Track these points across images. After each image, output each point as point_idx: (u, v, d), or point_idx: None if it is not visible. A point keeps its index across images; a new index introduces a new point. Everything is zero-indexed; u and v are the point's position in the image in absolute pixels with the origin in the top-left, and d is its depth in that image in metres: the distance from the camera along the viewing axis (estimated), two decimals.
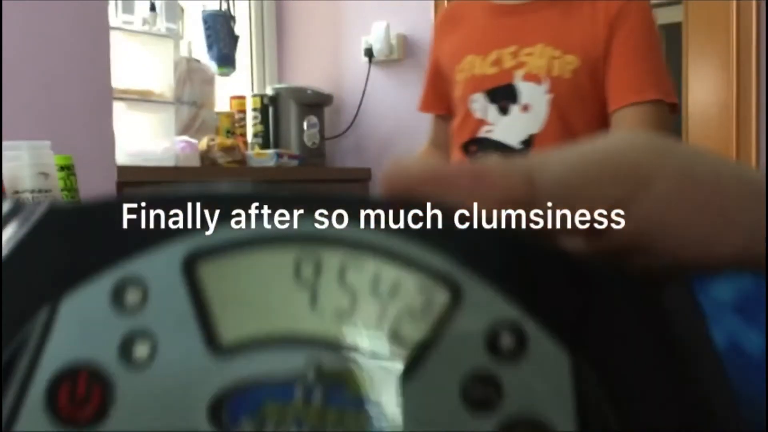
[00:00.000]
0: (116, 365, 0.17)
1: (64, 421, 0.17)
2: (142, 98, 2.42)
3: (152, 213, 0.18)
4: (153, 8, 2.44)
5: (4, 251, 0.18)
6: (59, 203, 0.18)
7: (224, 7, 2.67)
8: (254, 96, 2.78)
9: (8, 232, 0.18)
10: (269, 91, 2.78)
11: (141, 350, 0.17)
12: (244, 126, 2.74)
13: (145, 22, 2.44)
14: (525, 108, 1.36)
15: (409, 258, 0.17)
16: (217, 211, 0.18)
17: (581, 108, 1.35)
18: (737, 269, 0.19)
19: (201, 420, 0.17)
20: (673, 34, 2.45)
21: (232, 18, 2.67)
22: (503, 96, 1.38)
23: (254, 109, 2.75)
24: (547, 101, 1.34)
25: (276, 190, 0.18)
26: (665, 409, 0.17)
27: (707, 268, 0.19)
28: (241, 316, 0.17)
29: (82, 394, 0.17)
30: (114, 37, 2.12)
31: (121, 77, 2.30)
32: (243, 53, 2.85)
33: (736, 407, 0.17)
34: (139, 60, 2.43)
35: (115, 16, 2.30)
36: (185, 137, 2.36)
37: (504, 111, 1.38)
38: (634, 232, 0.20)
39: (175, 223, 0.17)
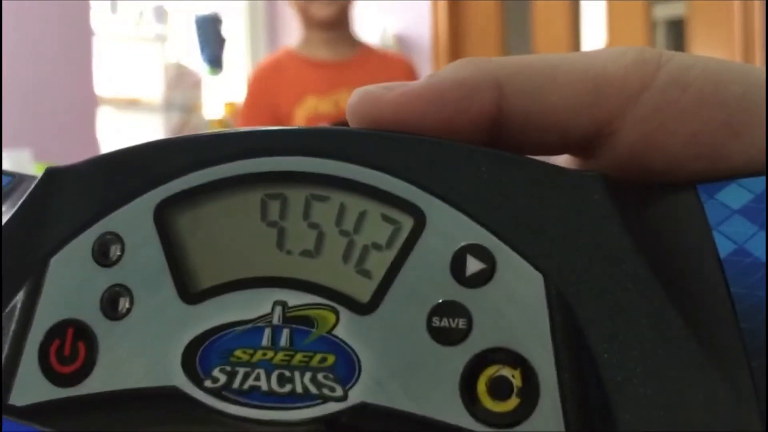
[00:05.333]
0: (98, 320, 0.17)
1: (57, 379, 0.17)
2: (131, 104, 2.39)
3: (125, 169, 0.18)
4: (140, 14, 2.44)
5: (5, 217, 0.19)
6: (57, 168, 0.19)
7: (213, 10, 2.72)
8: None
9: (12, 201, 0.20)
10: None
11: (121, 303, 0.17)
12: None
13: (132, 26, 2.43)
14: None
15: (372, 188, 0.17)
16: (184, 160, 0.18)
17: None
18: (748, 175, 0.17)
19: (176, 371, 0.17)
20: (676, 29, 2.39)
21: (220, 21, 2.73)
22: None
23: None
24: None
25: (236, 133, 0.18)
26: (652, 328, 0.15)
27: (715, 178, 0.18)
28: (211, 262, 0.17)
29: (69, 350, 0.17)
30: (101, 42, 2.09)
31: (108, 83, 2.28)
32: (235, 57, 2.84)
33: (733, 316, 0.16)
34: (127, 65, 2.41)
35: (101, 21, 2.28)
36: None
37: None
38: (628, 151, 0.18)
39: (145, 176, 0.18)
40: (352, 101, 0.18)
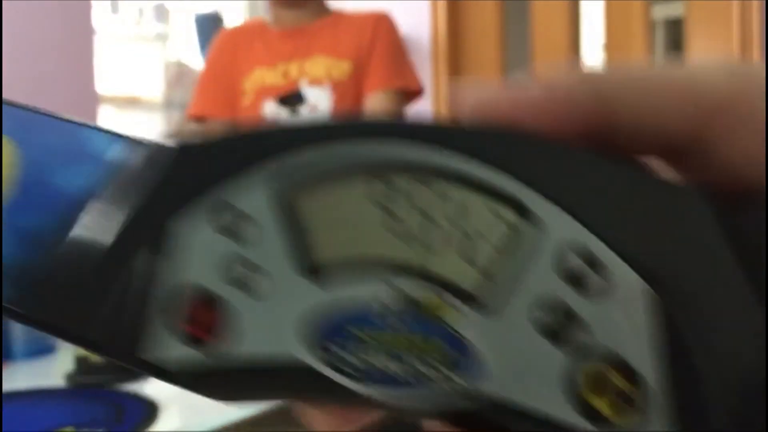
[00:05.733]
0: (220, 287, 0.18)
1: (187, 340, 0.18)
2: (131, 103, 2.39)
3: (254, 147, 0.19)
4: (141, 12, 2.44)
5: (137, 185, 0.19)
6: (189, 141, 0.20)
7: (213, 9, 2.72)
8: None
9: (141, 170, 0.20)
10: None
11: (244, 274, 0.18)
12: None
13: (133, 25, 2.43)
14: (313, 109, 1.62)
15: (485, 182, 0.17)
16: (308, 142, 0.18)
17: (358, 103, 1.61)
18: None
19: (294, 342, 0.18)
20: (675, 29, 2.39)
21: (220, 20, 2.74)
22: (293, 101, 1.62)
23: None
24: (331, 101, 1.60)
25: (356, 117, 0.19)
26: (753, 344, 0.16)
27: None
28: (329, 240, 0.18)
29: (192, 314, 0.18)
30: (102, 41, 2.09)
31: (109, 81, 2.27)
32: None
33: None
34: (128, 64, 2.41)
35: (102, 20, 2.27)
36: None
37: (294, 113, 1.63)
38: (721, 162, 0.18)
39: (271, 154, 0.18)
40: (463, 92, 0.19)
